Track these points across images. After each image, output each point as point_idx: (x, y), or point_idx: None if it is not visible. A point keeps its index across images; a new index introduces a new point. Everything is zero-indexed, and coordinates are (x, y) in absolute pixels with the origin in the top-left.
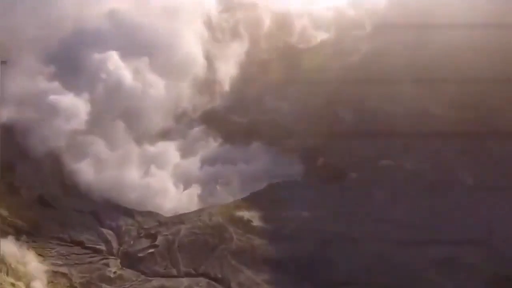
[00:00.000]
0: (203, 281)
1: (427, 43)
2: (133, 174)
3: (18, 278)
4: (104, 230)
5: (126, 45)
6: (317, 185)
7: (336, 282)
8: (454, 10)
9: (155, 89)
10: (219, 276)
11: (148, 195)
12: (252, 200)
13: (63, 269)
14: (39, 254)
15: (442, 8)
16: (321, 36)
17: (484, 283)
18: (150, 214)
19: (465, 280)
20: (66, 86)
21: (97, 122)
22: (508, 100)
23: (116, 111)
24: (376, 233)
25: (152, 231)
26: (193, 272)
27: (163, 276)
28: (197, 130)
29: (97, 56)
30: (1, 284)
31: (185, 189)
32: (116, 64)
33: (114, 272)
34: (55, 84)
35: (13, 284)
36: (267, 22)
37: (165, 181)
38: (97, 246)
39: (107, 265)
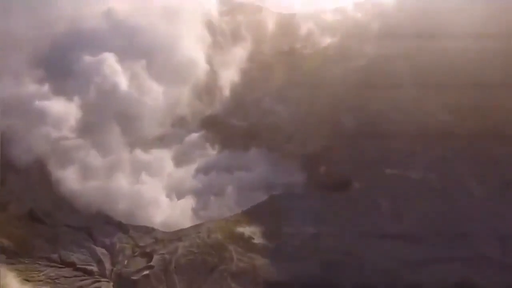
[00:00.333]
0: None
1: (433, 48)
2: (123, 183)
3: None
4: (97, 248)
5: (122, 47)
6: (320, 196)
7: None
8: (461, 16)
9: (151, 94)
10: None
11: (138, 205)
12: (253, 214)
13: None
14: (24, 279)
15: (449, 14)
16: (326, 40)
17: None
18: (146, 230)
19: None
20: (56, 90)
21: (88, 128)
22: None
23: (110, 117)
24: (382, 251)
25: (148, 250)
26: None
27: None
28: (194, 136)
29: (91, 58)
30: None
31: (178, 199)
32: (111, 67)
33: None
34: (45, 88)
35: None
36: (270, 25)
37: (157, 191)
38: (89, 267)
39: None
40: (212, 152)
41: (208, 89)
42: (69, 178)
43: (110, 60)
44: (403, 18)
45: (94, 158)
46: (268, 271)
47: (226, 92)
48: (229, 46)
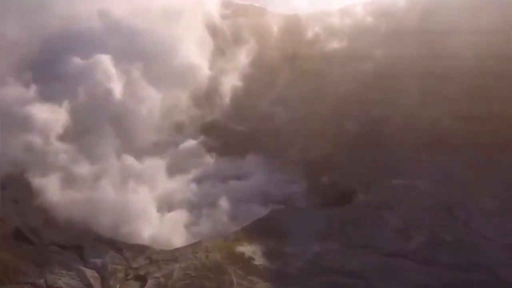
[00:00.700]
0: None
1: (441, 51)
2: (109, 194)
3: None
4: (87, 270)
5: (118, 49)
6: (323, 211)
7: None
8: (473, 19)
9: (147, 99)
10: None
11: (125, 218)
12: (253, 231)
13: None
14: None
15: (460, 17)
16: (332, 43)
17: None
18: (140, 248)
19: None
20: (43, 94)
21: (76, 135)
22: None
23: (101, 123)
24: (391, 272)
25: (142, 272)
26: None
27: None
28: (191, 143)
29: (83, 61)
30: None
31: (169, 212)
32: (105, 71)
33: None
34: (31, 92)
35: None
36: (274, 28)
37: (147, 202)
38: None
39: None
40: (208, 160)
41: (208, 94)
42: (50, 188)
43: (104, 63)
44: (411, 20)
45: (80, 167)
46: None
47: (227, 97)
48: (231, 50)
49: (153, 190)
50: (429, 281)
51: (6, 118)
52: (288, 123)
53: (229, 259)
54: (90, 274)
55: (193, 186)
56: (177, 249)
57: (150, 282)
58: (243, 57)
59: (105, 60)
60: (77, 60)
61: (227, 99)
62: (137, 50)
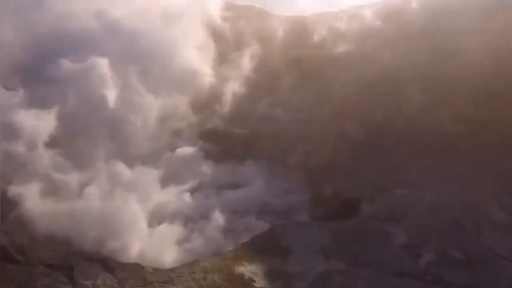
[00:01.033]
0: None
1: (449, 55)
2: (95, 204)
3: None
4: None
5: (114, 52)
6: (327, 225)
7: None
8: (480, 22)
9: (144, 105)
10: None
11: (112, 232)
12: (253, 248)
13: None
14: None
15: (470, 20)
16: (338, 46)
17: None
18: (134, 268)
19: None
20: (31, 99)
21: (65, 142)
22: None
23: (92, 130)
24: None
25: None
26: None
27: None
28: (187, 149)
29: (76, 64)
30: None
31: (161, 225)
32: (98, 75)
33: None
34: (18, 98)
35: None
36: (278, 31)
37: (136, 214)
38: None
39: None
40: (205, 169)
41: (209, 100)
42: (30, 198)
43: (99, 67)
44: (419, 23)
45: (65, 175)
46: None
47: (229, 102)
48: (233, 54)
49: (144, 201)
50: None
51: None
52: (289, 126)
53: (228, 281)
54: None
55: (187, 197)
56: (172, 269)
57: None
58: (246, 61)
59: (101, 64)
60: (70, 63)
61: (228, 104)
62: (135, 52)
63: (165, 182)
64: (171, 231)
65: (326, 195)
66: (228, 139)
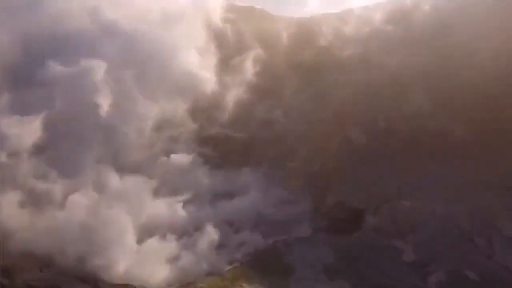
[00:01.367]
0: None
1: (457, 60)
2: (80, 217)
3: None
4: None
5: (109, 55)
6: (330, 241)
7: None
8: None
9: (138, 112)
10: None
11: (96, 248)
12: (253, 267)
13: None
14: None
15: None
16: (345, 50)
17: None
18: None
19: None
20: (16, 105)
21: (50, 148)
22: None
23: (81, 136)
24: None
25: None
26: None
27: None
28: (183, 157)
29: (67, 68)
30: None
31: (150, 239)
32: (91, 80)
33: None
34: (2, 102)
35: None
36: (283, 34)
37: (124, 227)
38: None
39: None
40: (201, 179)
41: (209, 105)
42: (6, 208)
43: (92, 71)
44: (425, 27)
45: (47, 183)
46: None
47: (229, 108)
48: (234, 57)
49: (134, 212)
50: None
51: None
52: (291, 130)
53: None
54: None
55: (180, 208)
56: None
57: None
58: (248, 65)
59: (94, 67)
60: (60, 66)
61: (229, 109)
62: (132, 55)
63: (157, 191)
64: (161, 247)
65: (328, 205)
66: (227, 144)
